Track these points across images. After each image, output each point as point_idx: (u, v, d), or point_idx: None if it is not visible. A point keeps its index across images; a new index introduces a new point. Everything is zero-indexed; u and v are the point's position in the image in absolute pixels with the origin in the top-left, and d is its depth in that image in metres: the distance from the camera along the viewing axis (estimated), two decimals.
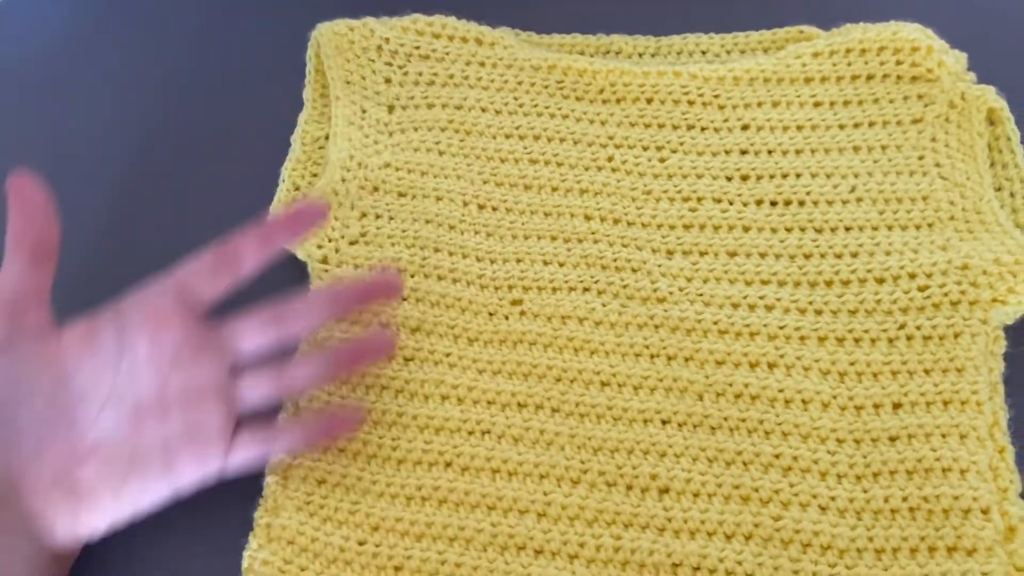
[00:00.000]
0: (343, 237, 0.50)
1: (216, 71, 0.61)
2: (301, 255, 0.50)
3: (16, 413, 0.40)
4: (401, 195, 0.51)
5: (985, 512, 0.41)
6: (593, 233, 0.50)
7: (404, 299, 0.48)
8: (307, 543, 0.43)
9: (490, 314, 0.48)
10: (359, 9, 0.57)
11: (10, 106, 0.61)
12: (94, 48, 0.63)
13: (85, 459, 0.40)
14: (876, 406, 0.44)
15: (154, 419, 0.41)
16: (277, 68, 0.59)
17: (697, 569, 0.41)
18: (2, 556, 0.38)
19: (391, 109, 0.54)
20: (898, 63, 0.52)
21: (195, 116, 0.59)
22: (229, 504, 0.44)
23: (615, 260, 0.49)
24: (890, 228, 0.48)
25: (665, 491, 0.43)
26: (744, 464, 0.43)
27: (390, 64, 0.55)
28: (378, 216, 0.51)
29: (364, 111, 0.54)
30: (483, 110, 0.54)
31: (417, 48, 0.55)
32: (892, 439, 0.43)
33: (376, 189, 0.52)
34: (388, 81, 0.55)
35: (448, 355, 0.47)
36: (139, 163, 0.57)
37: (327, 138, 0.55)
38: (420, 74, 0.55)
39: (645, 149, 0.52)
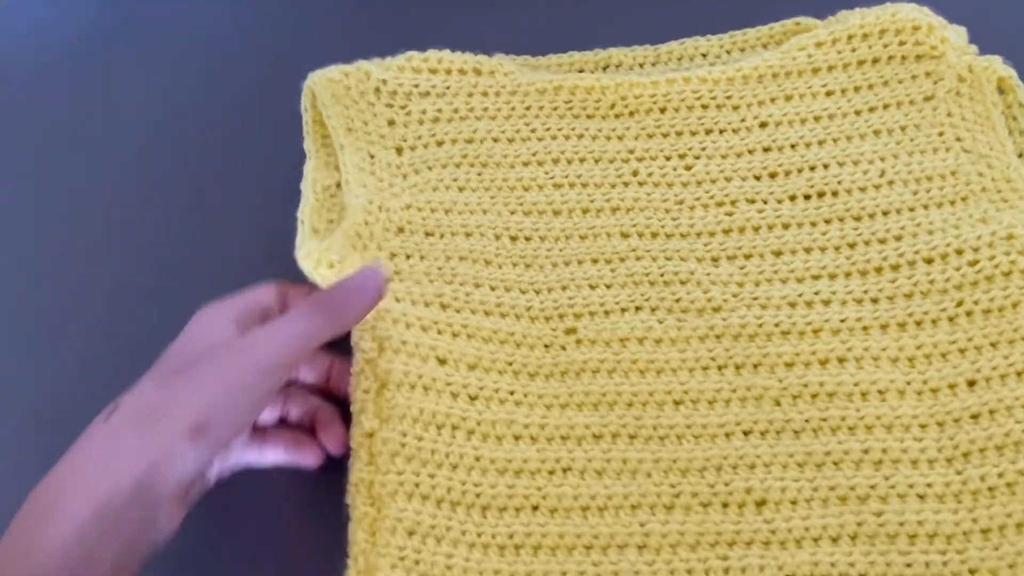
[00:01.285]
0: None
1: (208, 123, 0.59)
2: None
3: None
4: (428, 234, 0.49)
5: None
6: (634, 250, 0.49)
7: (455, 335, 0.46)
8: None
9: (546, 346, 0.47)
10: (344, 51, 0.55)
11: (9, 106, 0.60)
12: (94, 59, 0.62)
13: None
14: (951, 386, 0.44)
15: None
16: (268, 117, 0.57)
17: None
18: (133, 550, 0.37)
19: (400, 151, 0.52)
20: (901, 43, 0.52)
21: (192, 162, 0.58)
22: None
23: (662, 275, 0.48)
24: (926, 207, 0.48)
25: (763, 503, 0.42)
26: (835, 464, 0.43)
27: (391, 105, 0.53)
28: (408, 256, 0.49)
29: (372, 156, 0.52)
30: (495, 140, 0.52)
31: (416, 86, 0.54)
32: (974, 417, 0.43)
33: (401, 231, 0.50)
34: (392, 123, 0.53)
35: (512, 392, 0.45)
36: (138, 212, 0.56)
37: (338, 186, 0.52)
38: (424, 112, 0.53)
39: (668, 159, 0.51)
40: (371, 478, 0.43)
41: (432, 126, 0.53)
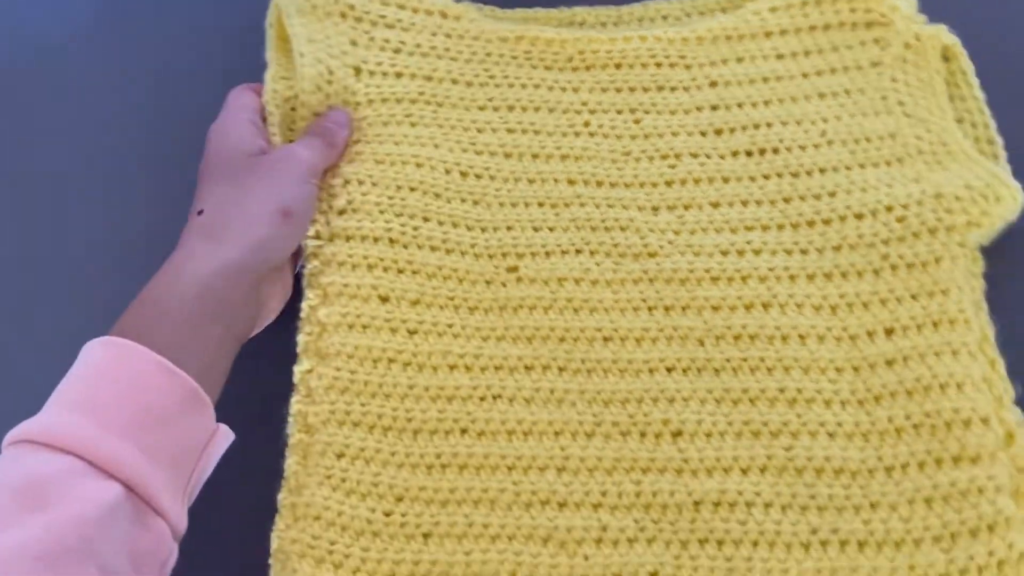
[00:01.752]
0: (331, 208, 0.50)
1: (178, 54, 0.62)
2: None
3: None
4: (379, 162, 0.51)
5: (984, 421, 0.42)
6: (579, 197, 0.51)
7: (400, 271, 0.49)
8: (333, 517, 0.43)
9: (487, 282, 0.49)
10: None
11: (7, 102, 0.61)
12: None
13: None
14: (869, 334, 0.46)
15: None
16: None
17: (718, 504, 0.43)
18: (235, 323, 0.44)
19: (358, 72, 0.54)
20: (852, 11, 0.54)
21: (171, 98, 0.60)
22: (253, 490, 0.44)
23: (603, 221, 0.50)
24: (863, 166, 0.50)
25: (678, 434, 0.44)
26: (751, 401, 0.45)
27: (355, 28, 0.55)
28: (361, 183, 0.50)
29: (331, 72, 0.53)
30: (454, 82, 0.54)
31: (383, 17, 0.55)
32: (889, 363, 0.45)
33: (352, 161, 0.51)
34: (354, 44, 0.54)
35: (451, 325, 0.48)
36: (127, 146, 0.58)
37: (297, 98, 0.54)
38: (387, 41, 0.55)
39: (619, 112, 0.53)
40: (307, 409, 0.46)
41: (393, 56, 0.54)
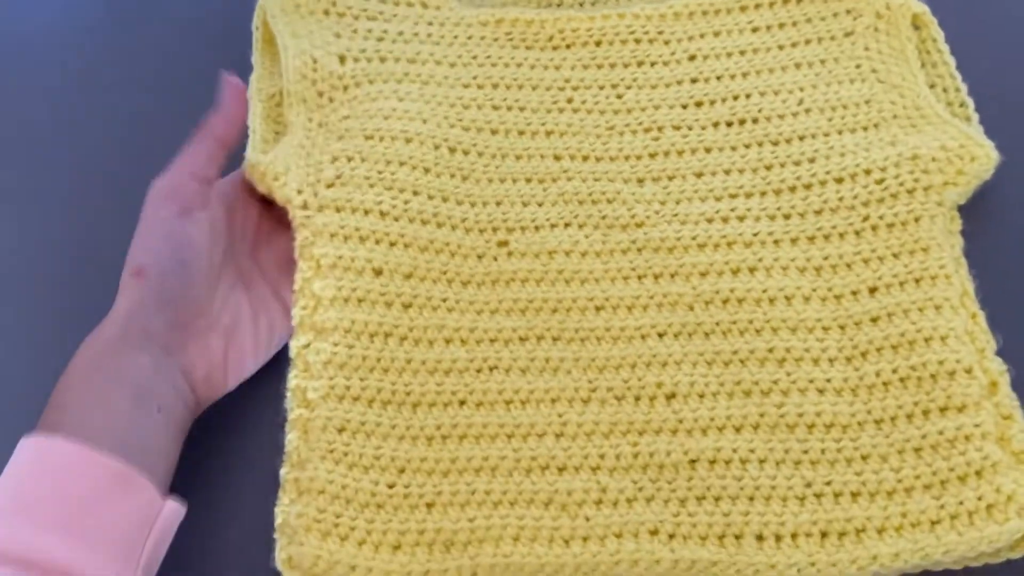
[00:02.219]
0: (319, 181, 0.50)
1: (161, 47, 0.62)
2: (280, 202, 0.50)
3: (192, 268, 0.46)
4: (368, 138, 0.51)
5: (968, 371, 0.44)
6: (565, 171, 0.52)
7: (392, 244, 0.49)
8: (337, 491, 0.43)
9: (479, 256, 0.50)
10: None
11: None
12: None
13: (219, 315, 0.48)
14: (854, 293, 0.47)
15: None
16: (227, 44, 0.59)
17: (713, 462, 0.44)
18: (163, 399, 0.43)
19: (343, 60, 0.54)
20: None
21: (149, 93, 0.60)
22: (257, 464, 0.45)
23: (590, 194, 0.51)
24: (840, 132, 0.51)
25: (672, 396, 0.45)
26: (741, 361, 0.46)
27: (338, 22, 0.56)
28: (349, 159, 0.51)
29: (315, 60, 0.54)
30: (437, 63, 0.55)
31: (364, 11, 0.56)
32: (873, 320, 0.46)
33: (341, 137, 0.52)
34: (338, 36, 0.55)
35: (445, 300, 0.48)
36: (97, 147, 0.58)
37: (281, 94, 0.54)
38: (370, 31, 0.56)
39: (601, 88, 0.54)
40: (305, 384, 0.46)
41: (377, 44, 0.55)
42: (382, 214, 0.49)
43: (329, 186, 0.50)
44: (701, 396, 0.45)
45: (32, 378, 0.44)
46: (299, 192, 0.50)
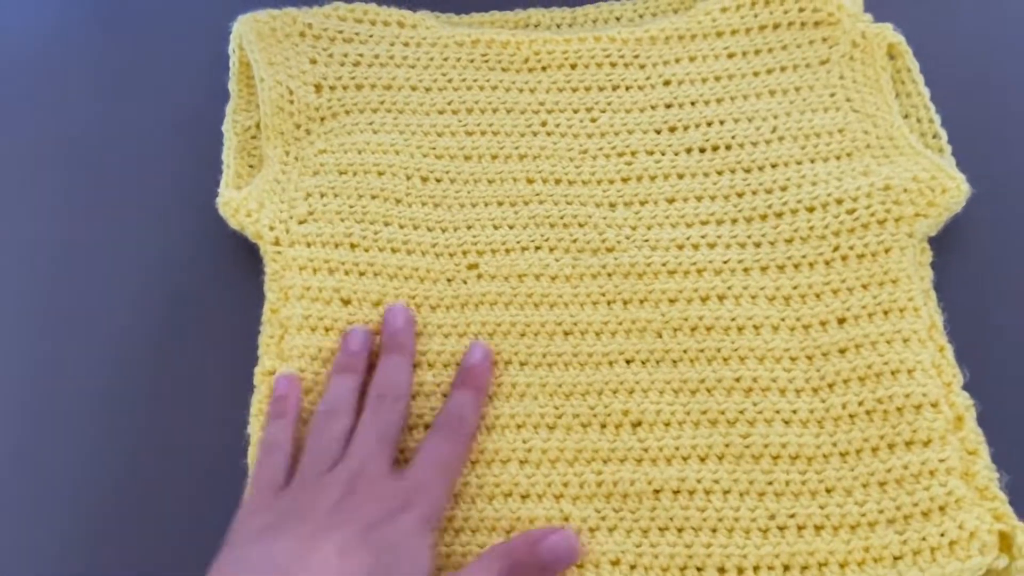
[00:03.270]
0: (292, 217, 0.51)
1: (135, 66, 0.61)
2: (251, 238, 0.50)
3: None
4: (342, 173, 0.52)
5: (935, 405, 0.44)
6: (537, 195, 0.51)
7: (361, 274, 0.49)
8: None
9: (448, 280, 0.49)
10: (275, 3, 0.58)
11: None
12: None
13: None
14: (822, 323, 0.47)
15: None
16: (198, 64, 0.59)
17: (677, 492, 0.44)
18: None
19: (319, 89, 0.55)
20: (800, 10, 0.55)
21: (117, 111, 0.59)
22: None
23: (562, 217, 0.51)
24: (813, 161, 0.51)
25: (638, 424, 0.45)
26: (708, 390, 0.46)
27: (314, 47, 0.56)
28: (323, 195, 0.51)
29: (291, 92, 0.54)
30: (413, 88, 0.55)
31: (340, 32, 0.56)
32: (841, 351, 0.46)
33: (316, 173, 0.52)
34: (313, 62, 0.55)
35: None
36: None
37: (257, 127, 0.55)
38: (346, 55, 0.56)
39: (576, 111, 0.54)
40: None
41: (352, 69, 0.55)
42: (352, 246, 0.50)
43: (301, 222, 0.50)
44: (667, 424, 0.45)
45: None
46: (271, 228, 0.50)
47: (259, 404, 0.46)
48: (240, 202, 0.51)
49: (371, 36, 0.56)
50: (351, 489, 0.41)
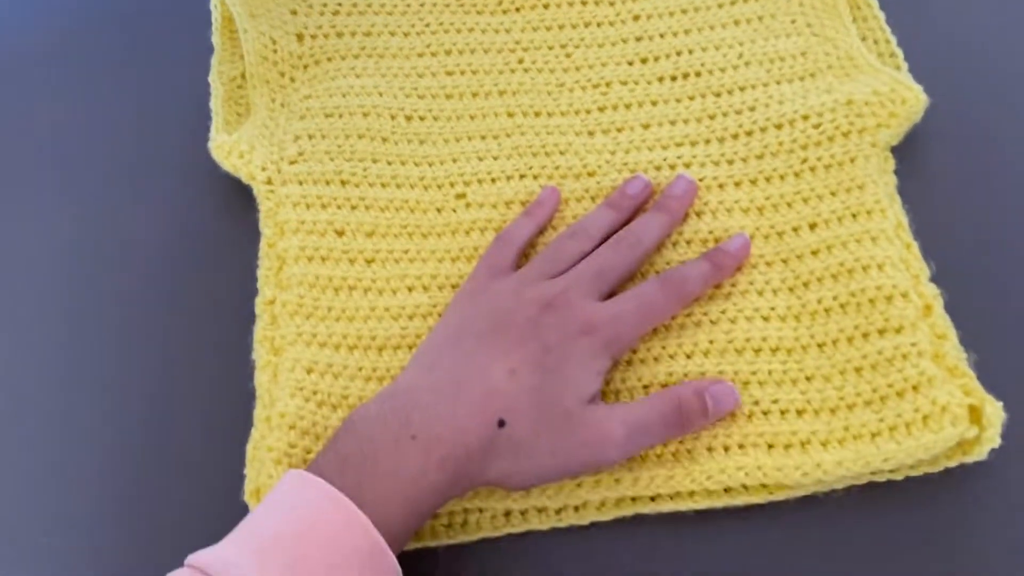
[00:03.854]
0: (282, 158, 0.53)
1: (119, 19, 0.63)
2: (245, 179, 0.52)
3: None
4: (328, 116, 0.54)
5: (904, 295, 0.46)
6: (519, 127, 0.54)
7: (354, 207, 0.51)
8: (307, 427, 0.45)
9: (438, 210, 0.52)
10: None
11: None
12: None
13: None
14: (795, 229, 0.49)
15: None
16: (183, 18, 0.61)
17: (665, 386, 0.46)
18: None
19: (301, 38, 0.57)
20: None
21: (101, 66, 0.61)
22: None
23: (543, 147, 0.53)
24: (778, 83, 0.54)
25: None
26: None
27: None
28: (311, 136, 0.54)
29: (274, 42, 0.56)
30: (392, 34, 0.57)
31: None
32: (814, 252, 0.48)
33: (303, 117, 0.54)
34: (294, 12, 0.57)
35: (406, 251, 0.50)
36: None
37: (242, 76, 0.57)
38: (325, 5, 0.58)
39: (551, 48, 0.57)
40: (272, 334, 0.48)
41: (332, 18, 0.58)
42: (343, 183, 0.52)
43: (292, 162, 0.52)
44: (654, 332, 0.47)
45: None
46: (263, 169, 0.52)
47: (263, 331, 0.48)
48: (232, 145, 0.53)
49: None
50: (549, 307, 0.44)
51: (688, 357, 0.46)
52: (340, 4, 0.58)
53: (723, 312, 0.47)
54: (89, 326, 0.52)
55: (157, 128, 0.58)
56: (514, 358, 0.43)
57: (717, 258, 0.48)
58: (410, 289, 0.49)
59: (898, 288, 0.46)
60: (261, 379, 0.47)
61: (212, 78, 0.56)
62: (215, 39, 0.58)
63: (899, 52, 0.55)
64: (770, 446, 0.44)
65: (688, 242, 0.50)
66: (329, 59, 0.56)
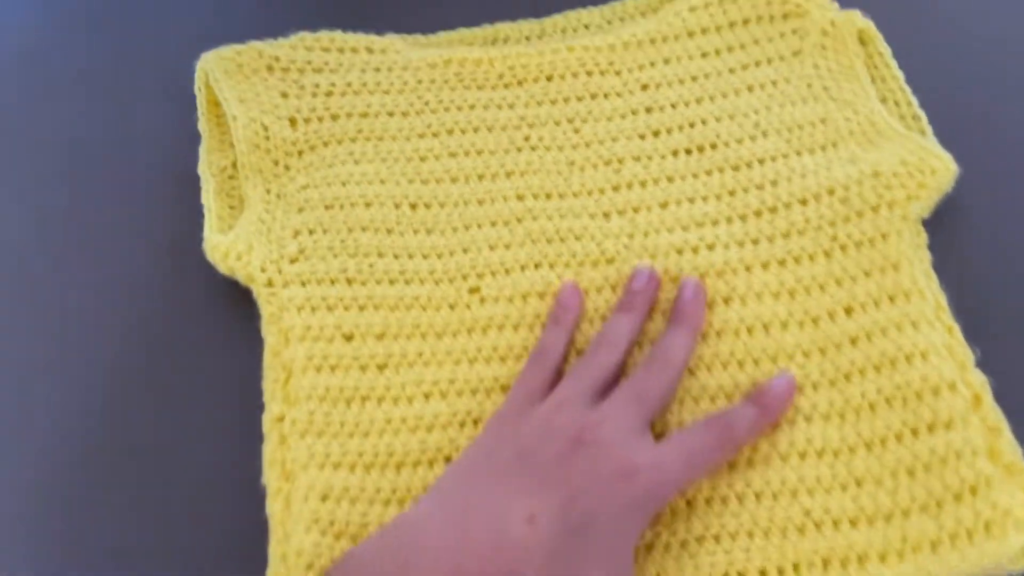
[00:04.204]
0: (282, 257, 0.50)
1: (102, 110, 0.59)
2: (243, 281, 0.49)
3: None
4: (328, 207, 0.51)
5: (952, 387, 0.44)
6: (530, 211, 0.51)
7: (361, 308, 0.48)
8: (325, 564, 0.42)
9: (451, 306, 0.49)
10: (235, 38, 0.56)
11: None
12: None
13: None
14: (830, 314, 0.47)
15: None
16: (165, 103, 0.57)
17: (709, 501, 0.43)
18: None
19: (294, 123, 0.54)
20: (768, 4, 0.56)
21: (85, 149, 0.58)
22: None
23: (558, 232, 0.50)
24: (799, 153, 0.51)
25: (659, 436, 0.45)
26: (727, 396, 0.45)
27: (284, 80, 0.55)
28: (311, 231, 0.50)
29: (266, 128, 0.53)
30: (390, 114, 0.54)
31: (309, 63, 0.55)
32: (853, 341, 0.46)
33: (301, 209, 0.51)
34: (285, 95, 0.54)
35: (421, 354, 0.47)
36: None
37: (234, 166, 0.54)
38: (317, 86, 0.55)
39: (557, 124, 0.54)
40: (283, 456, 0.45)
41: (326, 99, 0.54)
42: (348, 281, 0.49)
43: (293, 261, 0.49)
44: None
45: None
46: (263, 270, 0.49)
47: (272, 453, 0.45)
48: (228, 245, 0.49)
49: (341, 64, 0.55)
50: (580, 443, 0.40)
51: (731, 470, 0.44)
52: (334, 84, 0.54)
53: None
54: (78, 448, 0.48)
55: (148, 222, 0.54)
56: (535, 501, 0.38)
57: (763, 400, 0.44)
58: (427, 396, 0.46)
59: (944, 379, 0.44)
60: (274, 508, 0.44)
61: (202, 169, 0.53)
62: (201, 126, 0.54)
63: (922, 114, 0.53)
64: (826, 563, 0.41)
65: (718, 333, 0.47)
66: (325, 144, 0.53)
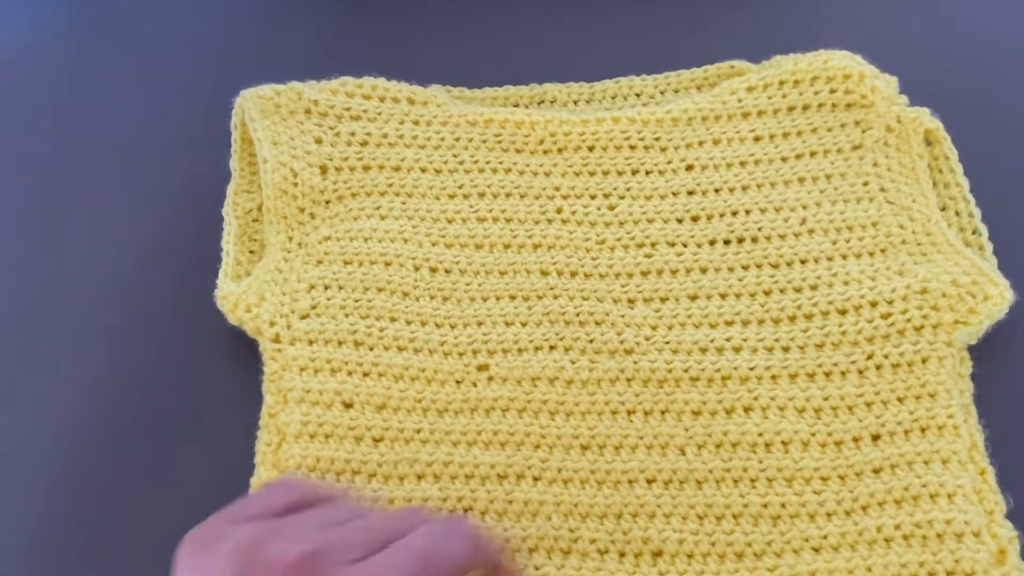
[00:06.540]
0: (293, 312, 0.48)
1: (136, 141, 0.58)
2: (251, 334, 0.48)
3: None
4: (347, 263, 0.49)
5: (977, 535, 0.41)
6: (552, 288, 0.49)
7: (366, 374, 0.47)
8: None
9: (457, 382, 0.47)
10: (280, 77, 0.55)
11: None
12: None
13: None
14: (855, 439, 0.44)
15: None
16: (200, 139, 0.56)
17: None
18: None
19: (324, 171, 0.52)
20: (832, 91, 0.53)
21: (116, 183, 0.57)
22: None
23: (578, 314, 0.48)
24: (844, 257, 0.48)
25: (659, 554, 0.42)
26: (734, 517, 0.43)
27: (320, 125, 0.53)
28: (327, 287, 0.49)
29: (296, 174, 0.51)
30: (423, 170, 0.52)
31: (348, 109, 0.54)
32: (876, 471, 0.43)
33: (320, 262, 0.50)
34: (319, 141, 0.53)
35: (419, 431, 0.45)
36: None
37: (259, 209, 0.53)
38: (353, 134, 0.53)
39: (593, 198, 0.51)
40: None
41: (360, 149, 0.53)
42: (356, 344, 0.47)
43: (304, 317, 0.48)
44: (690, 556, 0.42)
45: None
46: (271, 324, 0.47)
47: None
48: (239, 296, 0.48)
49: (379, 114, 0.53)
50: None
51: None
52: (369, 134, 0.53)
53: (768, 544, 0.42)
54: (69, 489, 0.48)
55: (165, 265, 0.53)
56: None
57: None
58: (419, 477, 0.45)
59: (970, 526, 0.41)
60: None
61: (226, 211, 0.52)
62: (233, 164, 0.53)
63: (983, 229, 0.49)
64: None
65: (734, 445, 0.44)
66: (354, 195, 0.51)
